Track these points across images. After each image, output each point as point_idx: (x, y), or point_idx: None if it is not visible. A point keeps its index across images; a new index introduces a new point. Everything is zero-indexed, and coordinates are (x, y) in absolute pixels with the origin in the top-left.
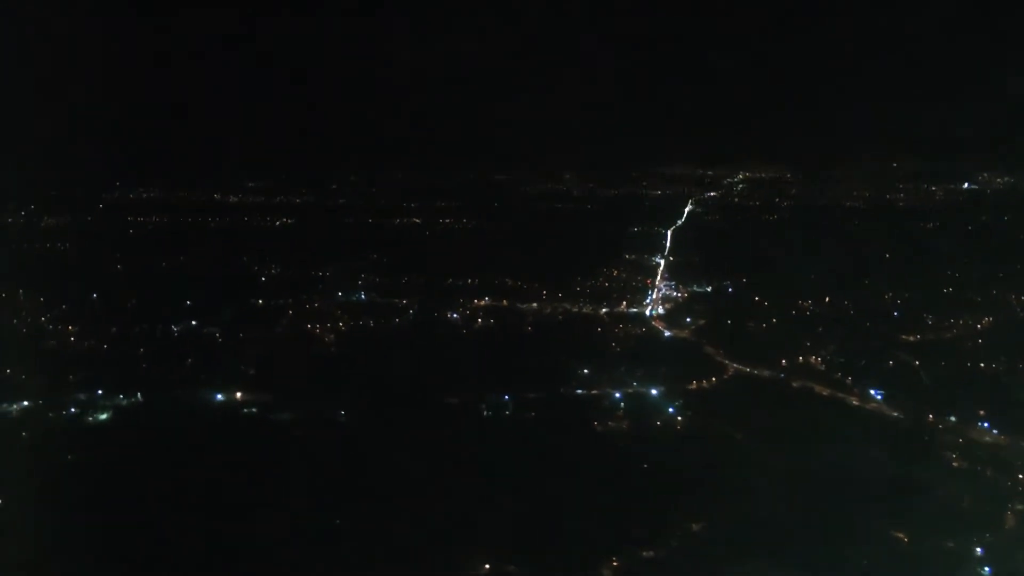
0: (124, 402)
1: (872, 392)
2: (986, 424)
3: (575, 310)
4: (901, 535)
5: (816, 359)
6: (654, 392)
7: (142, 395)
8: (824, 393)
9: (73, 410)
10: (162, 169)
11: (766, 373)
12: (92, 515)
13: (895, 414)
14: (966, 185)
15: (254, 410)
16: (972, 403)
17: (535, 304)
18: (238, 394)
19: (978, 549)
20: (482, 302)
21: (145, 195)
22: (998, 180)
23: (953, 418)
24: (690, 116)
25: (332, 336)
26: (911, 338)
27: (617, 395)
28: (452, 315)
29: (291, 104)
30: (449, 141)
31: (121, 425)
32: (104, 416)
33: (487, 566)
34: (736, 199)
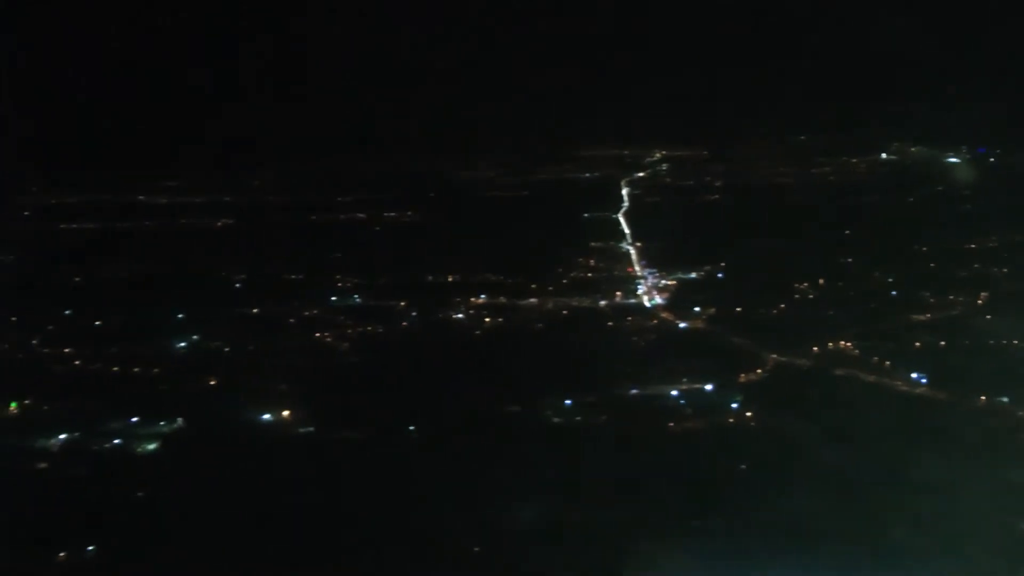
0: (166, 429)
1: (914, 376)
2: None
3: (574, 304)
4: None
5: (846, 344)
6: (708, 388)
7: (183, 420)
8: (870, 380)
9: (117, 441)
10: (72, 170)
11: (804, 362)
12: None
13: (949, 399)
14: (883, 156)
15: (311, 429)
16: (1016, 383)
17: (534, 300)
18: (285, 413)
19: None
20: (479, 300)
21: (64, 200)
22: (911, 149)
23: (1006, 399)
24: (591, 96)
25: (346, 345)
26: (922, 317)
27: (674, 393)
28: (457, 315)
29: (194, 100)
30: (355, 131)
31: (175, 454)
32: (153, 446)
33: None
34: (668, 179)
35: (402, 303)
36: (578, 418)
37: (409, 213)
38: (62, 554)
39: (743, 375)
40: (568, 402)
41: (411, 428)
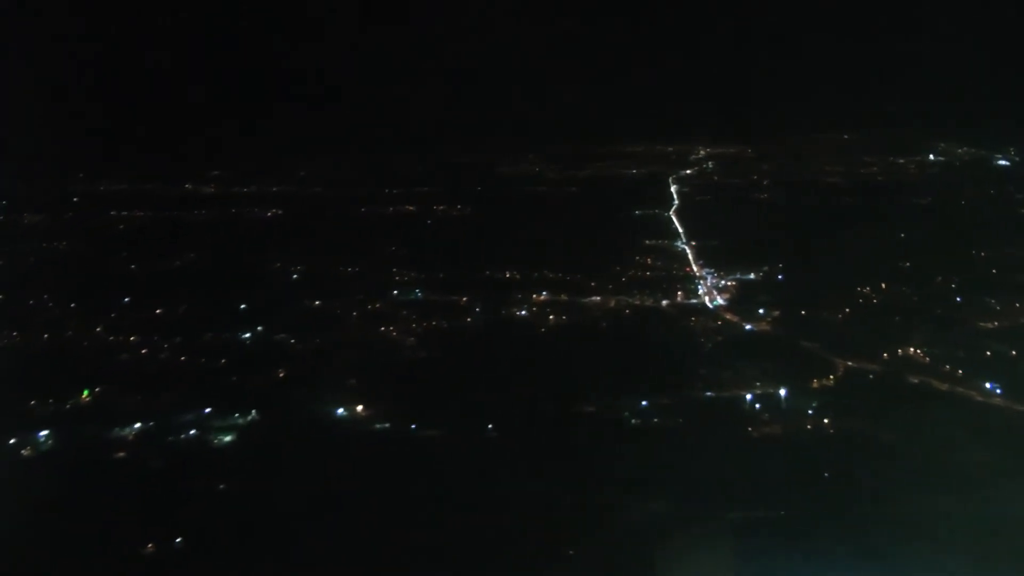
0: (241, 421)
1: (988, 386)
2: None
3: (636, 303)
4: None
5: (915, 351)
6: (782, 393)
7: (257, 413)
8: (943, 388)
9: (192, 432)
10: (119, 159)
11: (875, 368)
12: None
13: None
14: (932, 157)
15: (387, 425)
16: None
17: (596, 298)
18: (359, 408)
19: None
20: (541, 297)
21: (113, 188)
22: (959, 150)
23: None
24: (634, 92)
25: (412, 340)
26: (989, 325)
27: (749, 397)
28: (520, 312)
29: (236, 91)
30: (398, 123)
31: (253, 447)
32: (229, 438)
33: None
34: (715, 177)
35: (464, 298)
36: (656, 420)
37: (458, 207)
38: (150, 546)
39: (816, 380)
40: (644, 403)
41: (489, 427)
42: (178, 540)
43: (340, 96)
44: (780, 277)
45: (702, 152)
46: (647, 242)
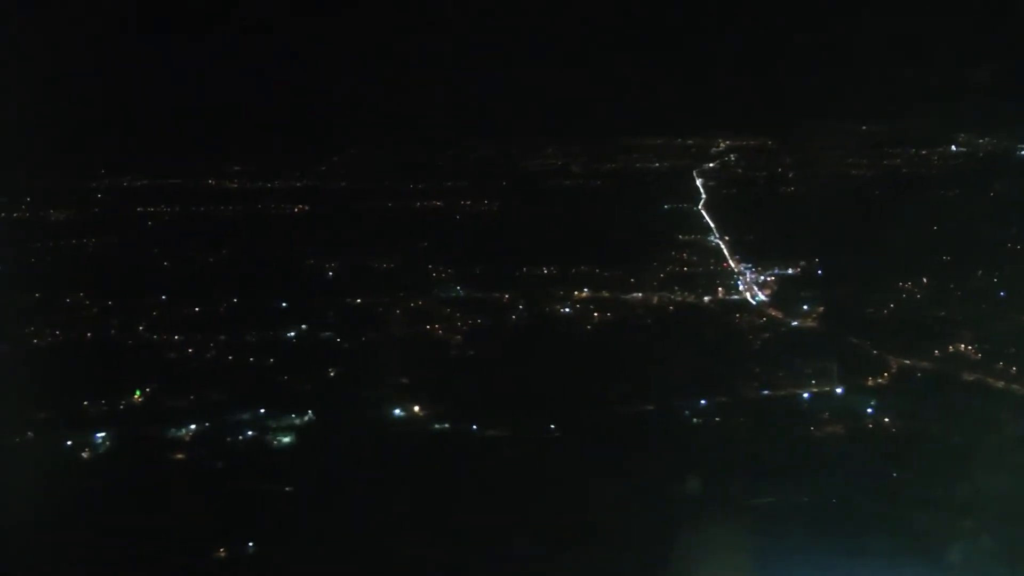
0: (297, 421)
1: None
2: None
3: (678, 299)
4: None
5: (966, 348)
6: (839, 391)
7: (313, 413)
8: (999, 386)
9: (250, 433)
10: (140, 154)
11: (928, 366)
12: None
13: None
14: (954, 148)
15: (447, 425)
16: None
17: (638, 294)
18: (415, 408)
19: None
20: (583, 294)
21: (136, 184)
22: (980, 141)
23: None
24: (648, 84)
25: (459, 338)
26: None
27: (806, 395)
28: (564, 309)
29: (257, 86)
30: (415, 115)
31: (313, 448)
32: (287, 439)
33: None
34: (739, 170)
35: (506, 296)
36: (717, 419)
37: (486, 202)
38: (221, 550)
39: (870, 378)
40: (703, 402)
41: (551, 426)
42: (250, 544)
43: (353, 91)
44: (819, 272)
45: (723, 145)
46: (680, 237)
